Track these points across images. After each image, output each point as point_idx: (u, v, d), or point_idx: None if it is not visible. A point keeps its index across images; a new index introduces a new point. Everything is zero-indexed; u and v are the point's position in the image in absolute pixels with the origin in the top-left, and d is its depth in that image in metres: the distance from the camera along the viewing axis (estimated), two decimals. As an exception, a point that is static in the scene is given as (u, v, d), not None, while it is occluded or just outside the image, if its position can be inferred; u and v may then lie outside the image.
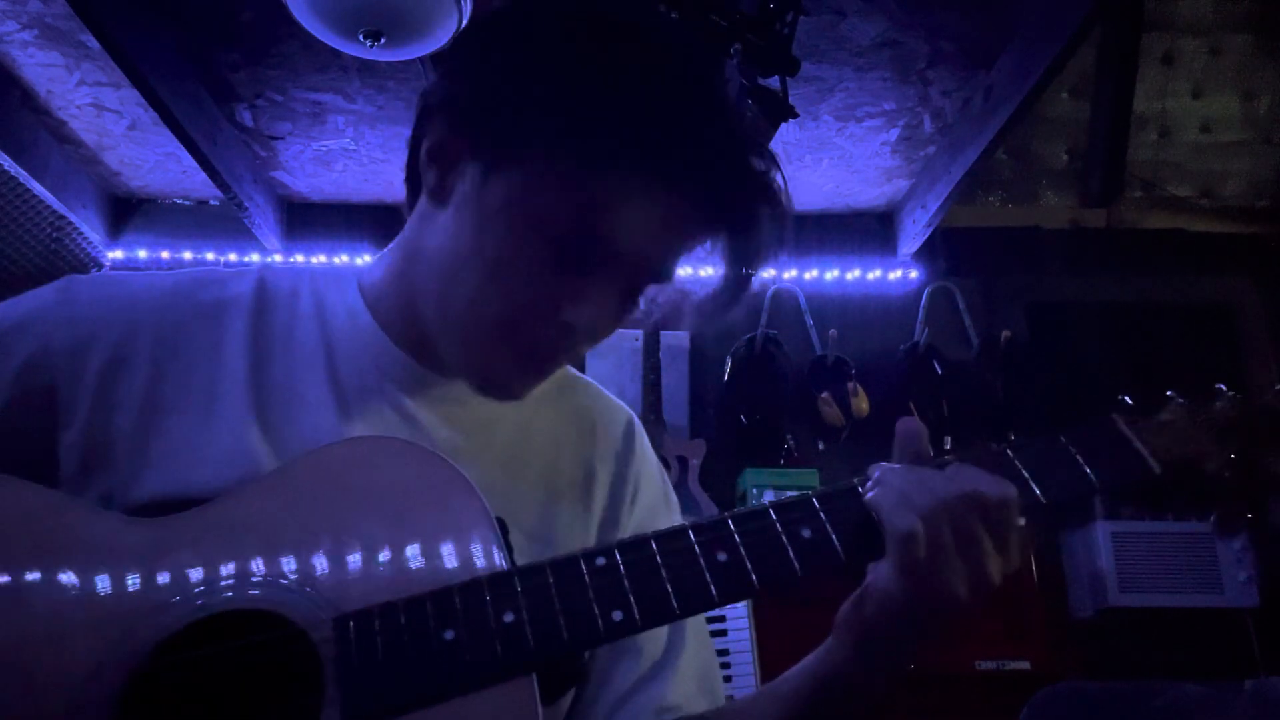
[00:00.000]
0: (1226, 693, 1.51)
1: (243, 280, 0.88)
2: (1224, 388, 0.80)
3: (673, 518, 0.98)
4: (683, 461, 3.44)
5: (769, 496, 3.22)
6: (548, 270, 0.74)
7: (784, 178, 0.76)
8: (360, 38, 2.38)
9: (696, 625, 0.92)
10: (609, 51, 0.72)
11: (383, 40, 2.39)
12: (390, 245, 0.89)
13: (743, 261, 0.78)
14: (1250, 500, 0.77)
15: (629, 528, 0.92)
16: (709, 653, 0.93)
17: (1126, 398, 0.80)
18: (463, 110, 0.77)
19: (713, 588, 0.67)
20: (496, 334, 0.77)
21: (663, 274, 0.78)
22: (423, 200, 0.82)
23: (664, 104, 0.70)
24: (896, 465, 0.71)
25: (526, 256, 0.74)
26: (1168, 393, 0.80)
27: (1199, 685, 1.53)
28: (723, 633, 2.74)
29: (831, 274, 3.94)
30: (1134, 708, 1.54)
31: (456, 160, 0.77)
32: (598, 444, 0.95)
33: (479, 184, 0.75)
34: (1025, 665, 2.83)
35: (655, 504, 0.96)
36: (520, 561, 0.72)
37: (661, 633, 0.89)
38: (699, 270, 0.81)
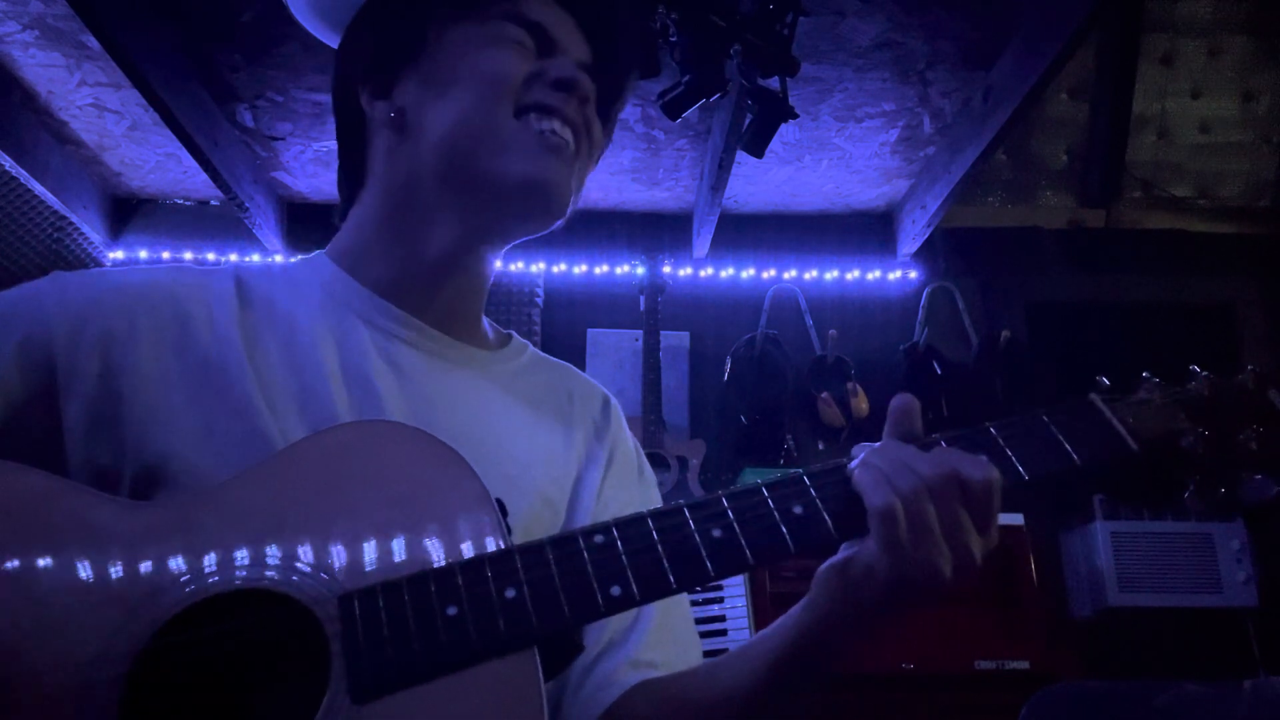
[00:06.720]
0: (1226, 693, 1.51)
1: (219, 272, 0.95)
2: (1196, 368, 0.83)
3: (647, 492, 1.03)
4: (683, 461, 3.44)
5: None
6: (517, 59, 0.93)
7: None
8: (360, 38, 2.38)
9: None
10: None
11: (383, 41, 2.39)
12: (352, 213, 0.99)
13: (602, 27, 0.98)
14: (1223, 475, 0.79)
15: (603, 494, 0.96)
16: (682, 616, 0.97)
17: (1104, 379, 0.82)
18: (379, 48, 0.95)
19: (708, 562, 0.69)
20: (513, 119, 0.90)
21: (591, 41, 0.98)
22: (383, 137, 0.95)
23: None
24: (883, 444, 0.73)
25: (497, 60, 0.92)
26: (1143, 374, 0.83)
27: (1199, 685, 1.53)
28: (720, 618, 2.77)
29: (831, 274, 3.95)
30: (1133, 707, 1.54)
31: (394, 81, 0.94)
32: (574, 411, 1.01)
33: (434, 70, 0.93)
34: (1024, 665, 2.82)
35: (628, 476, 1.01)
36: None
37: None
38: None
